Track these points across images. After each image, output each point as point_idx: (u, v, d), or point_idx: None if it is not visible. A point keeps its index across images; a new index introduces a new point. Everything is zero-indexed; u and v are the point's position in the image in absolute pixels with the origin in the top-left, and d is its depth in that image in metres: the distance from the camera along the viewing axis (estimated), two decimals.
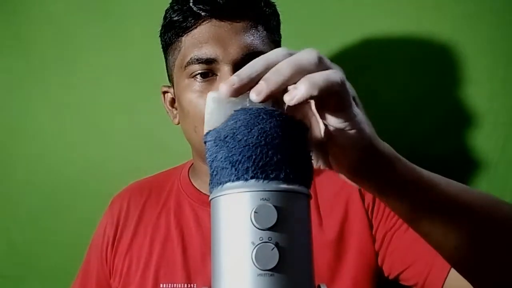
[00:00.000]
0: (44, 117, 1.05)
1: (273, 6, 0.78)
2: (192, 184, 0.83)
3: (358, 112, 0.43)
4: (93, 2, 1.04)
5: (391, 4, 0.95)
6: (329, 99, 0.40)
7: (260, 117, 0.39)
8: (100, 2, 1.04)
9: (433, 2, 0.94)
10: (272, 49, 0.73)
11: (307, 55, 0.39)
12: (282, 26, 0.80)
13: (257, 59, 0.40)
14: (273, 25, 0.77)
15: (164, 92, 0.83)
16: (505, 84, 0.92)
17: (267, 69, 0.39)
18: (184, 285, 0.75)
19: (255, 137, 0.38)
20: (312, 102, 0.44)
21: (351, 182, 0.49)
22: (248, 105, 0.41)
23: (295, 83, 0.38)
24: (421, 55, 0.95)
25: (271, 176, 0.37)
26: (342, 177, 0.49)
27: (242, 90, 0.39)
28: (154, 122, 1.01)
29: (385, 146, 0.47)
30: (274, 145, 0.38)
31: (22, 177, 1.05)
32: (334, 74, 0.39)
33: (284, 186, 0.37)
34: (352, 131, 0.42)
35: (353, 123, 0.42)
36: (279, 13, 0.79)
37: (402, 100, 0.95)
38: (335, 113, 0.41)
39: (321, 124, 0.45)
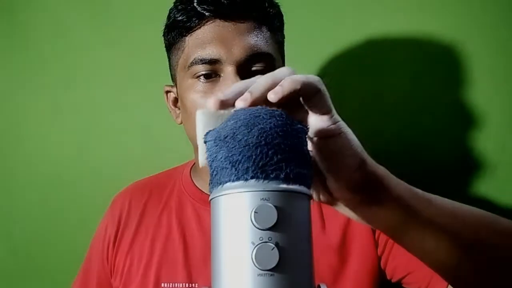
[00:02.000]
0: (43, 116, 1.05)
1: (277, 6, 0.77)
2: (194, 184, 0.83)
3: (341, 120, 0.46)
4: (94, 0, 1.04)
5: (392, 4, 0.95)
6: (312, 96, 0.43)
7: (260, 117, 0.39)
8: (102, 0, 1.04)
9: (434, 2, 0.94)
10: (275, 50, 0.74)
11: (282, 70, 0.44)
12: (284, 27, 0.79)
13: (237, 83, 0.45)
14: (276, 25, 0.76)
15: (167, 92, 0.83)
16: (505, 84, 0.92)
17: (247, 87, 0.43)
18: (185, 285, 0.75)
19: (255, 137, 0.38)
20: None
21: (348, 213, 0.50)
22: None
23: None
24: (422, 55, 0.95)
25: (271, 176, 0.37)
26: (341, 210, 0.50)
27: (227, 102, 0.43)
28: (155, 121, 1.02)
29: (376, 164, 0.49)
30: (274, 145, 0.38)
31: (22, 177, 1.04)
32: (313, 76, 0.43)
33: (284, 186, 0.37)
34: (339, 136, 0.45)
35: (337, 126, 0.45)
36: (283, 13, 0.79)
37: (402, 101, 0.95)
38: (320, 114, 0.44)
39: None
